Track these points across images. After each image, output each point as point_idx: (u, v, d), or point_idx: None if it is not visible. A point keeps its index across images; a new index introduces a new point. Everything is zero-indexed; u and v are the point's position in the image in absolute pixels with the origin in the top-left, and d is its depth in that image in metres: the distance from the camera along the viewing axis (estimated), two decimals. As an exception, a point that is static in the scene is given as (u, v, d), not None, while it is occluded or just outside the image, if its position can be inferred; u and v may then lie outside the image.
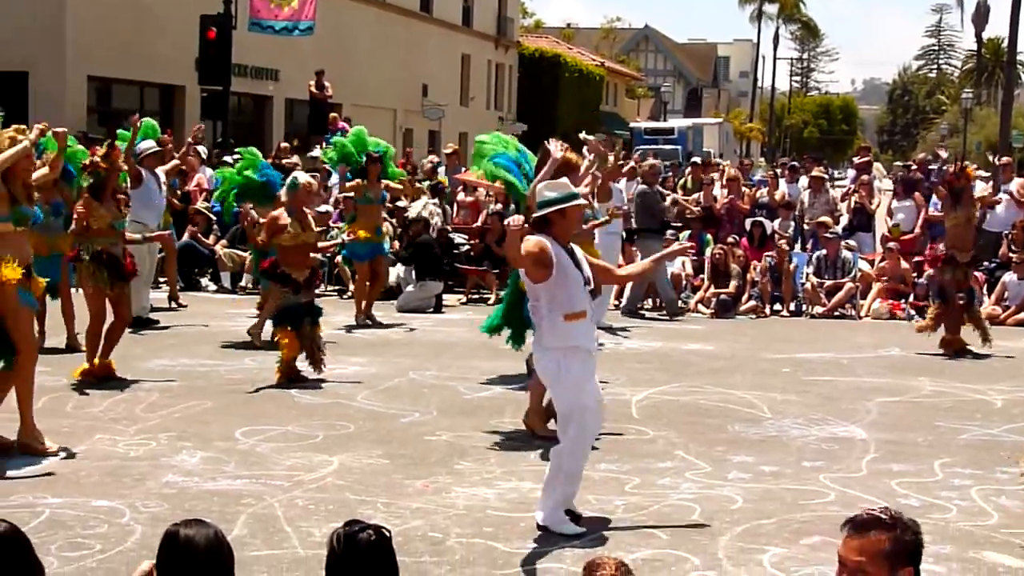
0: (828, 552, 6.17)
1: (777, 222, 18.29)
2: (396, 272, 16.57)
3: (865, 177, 19.63)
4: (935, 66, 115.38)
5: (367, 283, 14.42)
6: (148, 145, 13.57)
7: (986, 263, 16.80)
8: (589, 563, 3.89)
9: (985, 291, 16.17)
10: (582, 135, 11.37)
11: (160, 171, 13.88)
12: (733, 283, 16.40)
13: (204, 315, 14.53)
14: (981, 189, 16.99)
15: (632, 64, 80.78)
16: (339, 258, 16.82)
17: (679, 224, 18.22)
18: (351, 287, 16.01)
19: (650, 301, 16.68)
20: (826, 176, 21.57)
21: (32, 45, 25.94)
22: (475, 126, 48.75)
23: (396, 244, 17.05)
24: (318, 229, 11.79)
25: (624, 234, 16.27)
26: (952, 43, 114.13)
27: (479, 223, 18.41)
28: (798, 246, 18.45)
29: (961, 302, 12.84)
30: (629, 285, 15.99)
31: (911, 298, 16.45)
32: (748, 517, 6.79)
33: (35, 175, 8.18)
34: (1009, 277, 16.05)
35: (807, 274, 16.83)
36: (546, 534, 6.41)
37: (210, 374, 10.83)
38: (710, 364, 12.10)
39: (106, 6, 26.99)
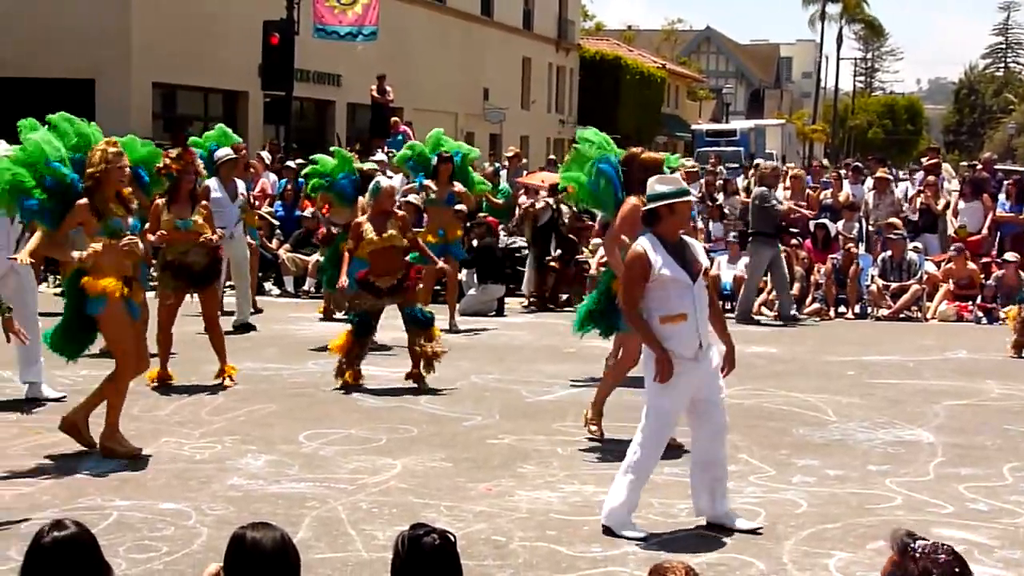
0: (895, 557, 6.11)
1: (841, 223, 18.11)
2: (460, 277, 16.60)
3: (932, 178, 19.38)
4: (1002, 64, 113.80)
5: (433, 287, 14.37)
6: (224, 152, 13.50)
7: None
8: (656, 567, 3.86)
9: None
10: (680, 161, 11.00)
11: (238, 179, 13.85)
12: (796, 285, 16.27)
13: (267, 319, 14.65)
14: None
15: (694, 66, 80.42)
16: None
17: (796, 230, 17.52)
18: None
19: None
20: (891, 177, 21.34)
21: (98, 53, 26.32)
22: (536, 129, 48.87)
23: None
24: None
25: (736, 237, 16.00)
26: (1020, 41, 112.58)
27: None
28: (863, 247, 18.24)
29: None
30: (743, 291, 15.76)
31: (978, 300, 16.22)
32: (813, 521, 6.73)
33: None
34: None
35: (872, 276, 16.65)
36: (610, 537, 6.39)
37: (273, 377, 10.92)
38: (773, 367, 12.02)
39: (170, 14, 27.31)
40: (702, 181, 20.81)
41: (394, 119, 26.08)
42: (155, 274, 10.59)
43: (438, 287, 15.39)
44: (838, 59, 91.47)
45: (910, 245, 16.94)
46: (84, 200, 7.79)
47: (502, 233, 17.87)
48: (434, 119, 33.98)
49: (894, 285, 16.29)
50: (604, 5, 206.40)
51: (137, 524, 6.48)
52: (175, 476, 7.49)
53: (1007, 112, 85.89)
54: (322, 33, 27.37)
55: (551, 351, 12.89)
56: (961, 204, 18.53)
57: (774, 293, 16.19)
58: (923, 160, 23.55)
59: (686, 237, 6.53)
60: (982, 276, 16.48)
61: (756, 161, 25.87)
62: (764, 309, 16.27)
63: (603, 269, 9.44)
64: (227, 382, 10.30)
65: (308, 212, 18.43)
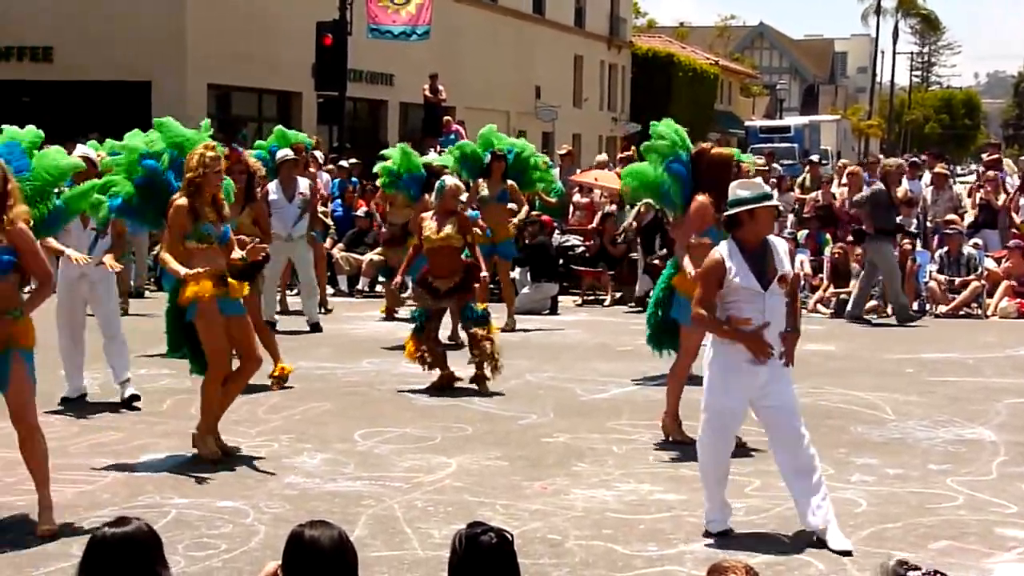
0: (957, 557, 6.03)
1: (899, 220, 17.88)
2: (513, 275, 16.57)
3: (991, 173, 19.12)
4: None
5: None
6: (284, 153, 13.54)
7: None
8: (715, 566, 3.83)
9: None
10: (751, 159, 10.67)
11: (302, 179, 13.85)
12: (854, 282, 16.10)
13: (321, 318, 14.69)
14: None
15: (747, 62, 79.93)
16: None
17: (916, 232, 17.14)
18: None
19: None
20: (949, 173, 21.09)
21: (154, 56, 26.60)
22: (588, 127, 48.79)
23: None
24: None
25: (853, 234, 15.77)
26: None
27: (594, 224, 18.35)
28: (920, 244, 18.02)
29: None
30: (855, 288, 15.44)
31: (1040, 297, 15.99)
32: (873, 521, 6.65)
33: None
34: None
35: (931, 272, 16.45)
36: (664, 537, 6.36)
37: (328, 376, 10.96)
38: (830, 364, 11.91)
39: (225, 16, 27.54)
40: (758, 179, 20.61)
41: (446, 118, 26.13)
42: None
43: (492, 286, 15.37)
44: (894, 53, 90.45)
45: (970, 241, 16.71)
46: (184, 201, 7.81)
47: (555, 231, 17.84)
48: (486, 118, 33.99)
49: (957, 281, 16.08)
50: (656, 2, 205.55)
51: (195, 522, 6.53)
52: (232, 474, 7.53)
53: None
54: (376, 33, 27.49)
55: (605, 349, 12.85)
56: (1021, 200, 18.24)
57: (830, 291, 16.00)
58: (984, 156, 23.23)
59: (774, 239, 6.45)
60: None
61: (812, 157, 25.63)
62: (820, 307, 16.10)
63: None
64: (271, 383, 10.21)
65: (361, 211, 18.51)
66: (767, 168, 22.63)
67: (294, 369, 10.55)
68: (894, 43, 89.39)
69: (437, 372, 10.37)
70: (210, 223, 7.85)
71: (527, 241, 16.47)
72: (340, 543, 3.70)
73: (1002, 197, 18.39)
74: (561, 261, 17.22)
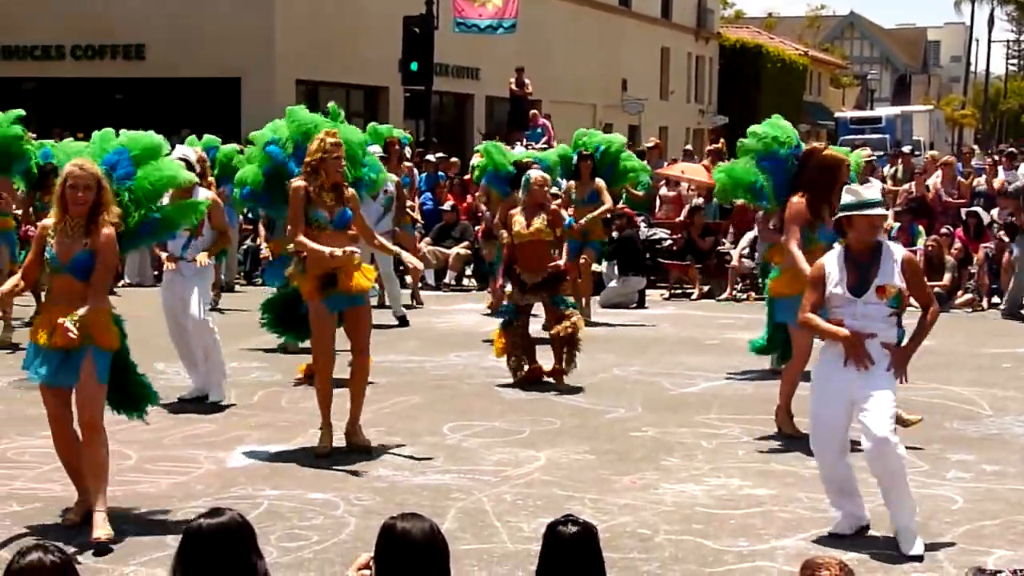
0: (1059, 556, 5.89)
1: (995, 211, 17.52)
2: (600, 268, 16.50)
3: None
4: None
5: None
6: (374, 150, 13.63)
7: None
8: (809, 562, 3.79)
9: None
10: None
11: (391, 175, 13.90)
12: (947, 275, 15.80)
13: (409, 312, 14.76)
14: None
15: (837, 52, 78.82)
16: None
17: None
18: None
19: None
20: (1047, 162, 20.59)
21: (244, 52, 26.99)
22: (675, 120, 48.47)
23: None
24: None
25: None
26: None
27: (681, 217, 18.24)
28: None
29: None
30: (1013, 283, 14.96)
31: None
32: (970, 518, 6.53)
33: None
34: None
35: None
36: (755, 532, 6.29)
37: (416, 370, 11.01)
38: (924, 359, 11.58)
39: (312, 13, 27.83)
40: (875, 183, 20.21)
41: (533, 112, 26.10)
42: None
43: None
44: (989, 41, 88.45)
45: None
46: (300, 183, 7.82)
47: (642, 224, 17.74)
48: (572, 111, 34.06)
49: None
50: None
51: (287, 513, 6.60)
52: (323, 467, 7.60)
53: None
54: (462, 27, 27.56)
55: (693, 343, 12.76)
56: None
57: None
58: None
59: (892, 247, 6.38)
60: None
61: (904, 148, 25.19)
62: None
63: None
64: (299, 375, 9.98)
65: (448, 205, 18.56)
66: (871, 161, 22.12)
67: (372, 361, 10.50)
68: (989, 31, 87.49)
69: (524, 369, 10.35)
70: (323, 210, 7.81)
71: (615, 234, 16.40)
72: (432, 535, 3.71)
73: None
74: (648, 255, 17.13)
